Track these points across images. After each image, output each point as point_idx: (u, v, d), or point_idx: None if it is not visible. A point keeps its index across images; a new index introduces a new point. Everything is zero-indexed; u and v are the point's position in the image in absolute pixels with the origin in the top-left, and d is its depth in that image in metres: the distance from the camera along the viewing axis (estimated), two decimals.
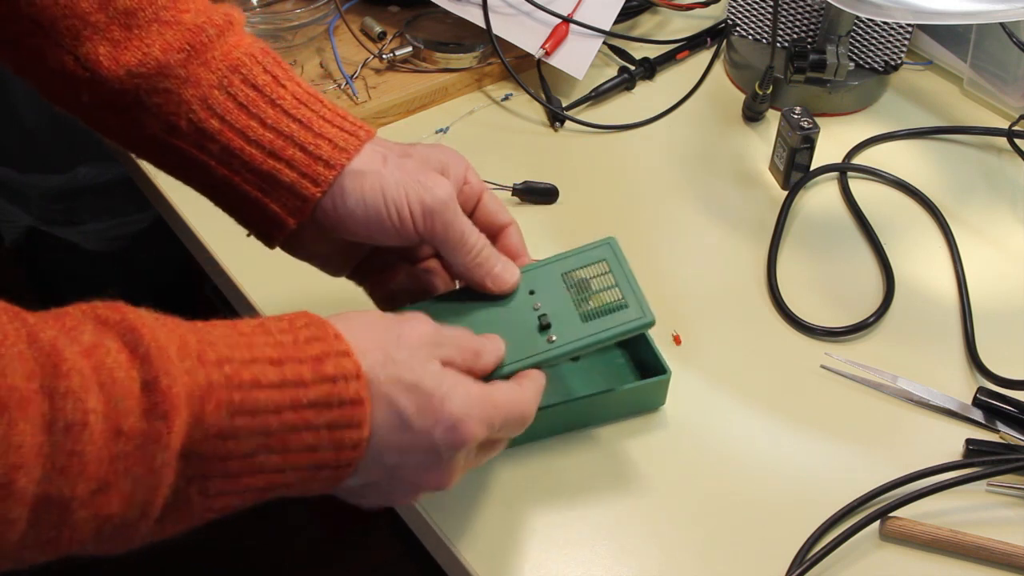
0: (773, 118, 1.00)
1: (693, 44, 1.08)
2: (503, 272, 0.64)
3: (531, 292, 0.66)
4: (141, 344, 0.46)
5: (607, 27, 1.02)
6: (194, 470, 0.48)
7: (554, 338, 0.64)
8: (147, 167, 0.88)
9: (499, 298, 0.65)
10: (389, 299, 0.67)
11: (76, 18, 0.59)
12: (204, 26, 0.60)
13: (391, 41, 1.02)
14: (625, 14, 1.09)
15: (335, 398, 0.51)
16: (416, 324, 0.57)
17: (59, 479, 0.42)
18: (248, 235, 0.65)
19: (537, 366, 0.63)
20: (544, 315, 0.64)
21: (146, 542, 0.49)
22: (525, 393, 0.60)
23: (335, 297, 0.78)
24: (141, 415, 0.45)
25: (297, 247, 0.65)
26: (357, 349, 0.53)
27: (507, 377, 0.62)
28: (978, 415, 0.75)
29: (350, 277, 0.69)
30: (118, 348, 0.46)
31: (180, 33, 0.60)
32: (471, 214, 0.66)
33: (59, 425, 0.42)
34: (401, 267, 0.68)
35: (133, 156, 0.66)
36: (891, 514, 0.67)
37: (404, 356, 0.54)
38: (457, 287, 0.67)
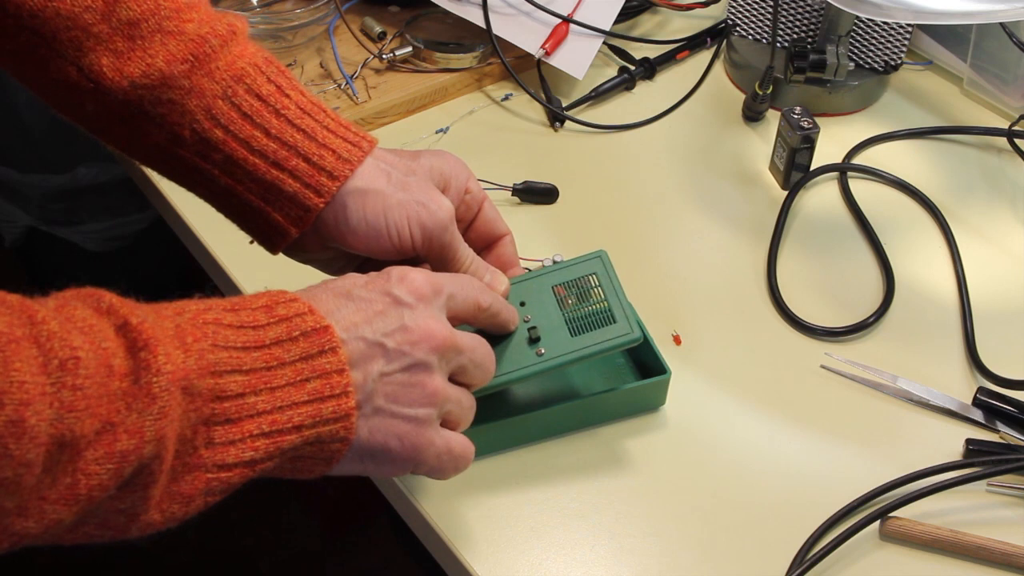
0: (773, 118, 1.00)
1: (693, 44, 1.08)
2: (491, 282, 0.66)
3: (522, 303, 0.67)
4: (103, 301, 0.48)
5: (607, 27, 1.02)
6: (197, 412, 0.48)
7: (543, 351, 0.65)
8: (147, 167, 0.88)
9: None
10: None
11: (79, 29, 0.59)
12: (207, 36, 0.60)
13: (391, 41, 1.02)
14: (625, 14, 1.09)
15: (296, 331, 0.52)
16: (353, 275, 0.58)
17: (69, 417, 0.43)
18: (251, 242, 0.65)
19: (526, 378, 0.64)
20: (534, 328, 0.65)
21: (166, 514, 0.48)
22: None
23: None
24: (125, 353, 0.46)
25: (299, 252, 0.66)
26: (307, 296, 0.55)
27: (497, 389, 0.63)
28: (978, 415, 0.75)
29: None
30: (83, 306, 0.47)
31: (183, 44, 0.60)
32: (471, 222, 0.67)
33: (53, 363, 0.43)
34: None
35: (143, 165, 0.66)
36: (891, 514, 0.67)
37: (349, 282, 0.57)
38: None
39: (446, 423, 0.59)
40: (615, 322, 0.66)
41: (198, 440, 0.49)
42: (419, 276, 0.57)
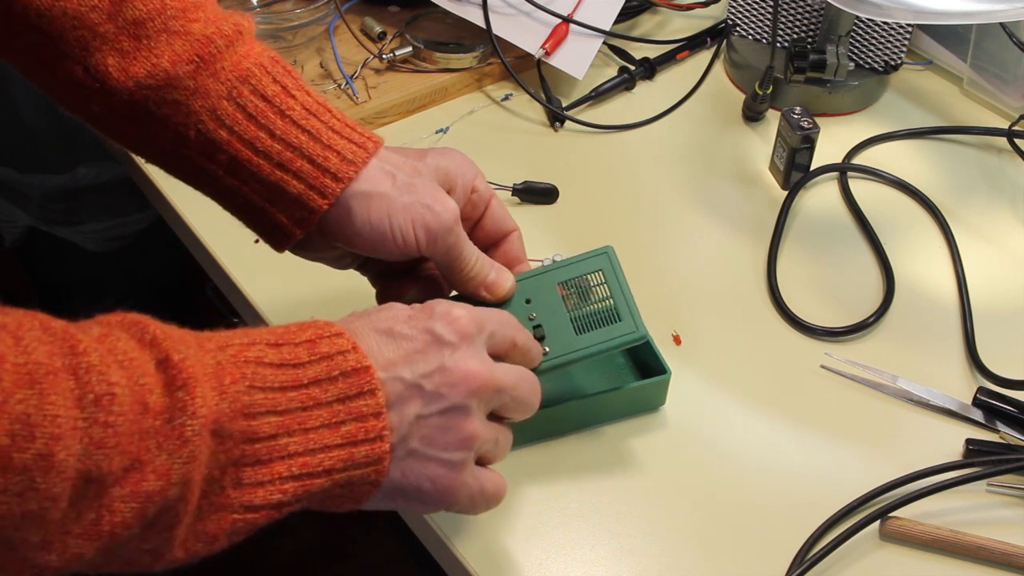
0: (773, 118, 1.00)
1: (693, 44, 1.08)
2: (497, 279, 0.65)
3: (527, 301, 0.66)
4: (147, 332, 0.47)
5: (607, 27, 1.02)
6: (227, 454, 0.48)
7: (547, 350, 0.64)
8: (147, 167, 0.88)
9: (496, 306, 0.65)
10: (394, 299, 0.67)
11: (85, 29, 0.59)
12: (213, 36, 0.60)
13: (391, 41, 1.02)
14: (625, 14, 1.09)
15: (336, 371, 0.52)
16: (397, 306, 0.58)
17: (97, 454, 0.43)
18: (256, 241, 0.65)
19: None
20: (539, 326, 0.65)
21: (189, 552, 0.48)
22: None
23: (336, 297, 0.78)
24: (162, 390, 0.46)
25: (305, 251, 0.65)
26: (348, 329, 0.54)
27: None
28: (978, 415, 0.75)
29: (358, 269, 0.69)
30: (126, 337, 0.47)
31: (189, 44, 0.60)
32: (478, 220, 0.67)
33: (88, 398, 0.43)
34: (406, 271, 0.68)
35: (143, 160, 0.66)
36: (891, 514, 0.67)
37: (385, 312, 0.57)
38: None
39: (480, 459, 0.59)
40: (620, 320, 0.65)
41: (226, 480, 0.49)
42: (463, 314, 0.57)
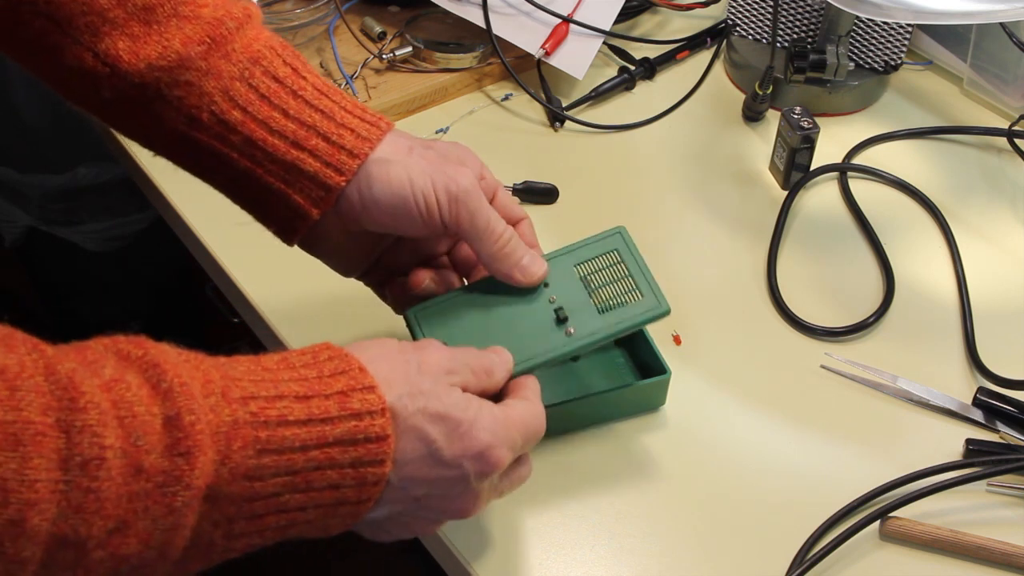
0: (773, 118, 1.00)
1: (693, 44, 1.08)
2: (531, 264, 0.64)
3: (545, 284, 0.65)
4: (164, 380, 0.45)
5: (607, 27, 1.02)
6: (220, 513, 0.47)
7: (572, 331, 0.64)
8: (147, 167, 0.88)
9: (513, 292, 0.65)
10: (402, 298, 0.67)
11: (94, 14, 0.59)
12: (223, 19, 0.60)
13: (391, 41, 1.02)
14: (625, 14, 1.09)
15: (360, 434, 0.51)
16: (433, 351, 0.57)
17: (75, 518, 0.41)
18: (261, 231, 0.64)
19: (557, 360, 0.63)
20: (560, 308, 0.64)
21: None
22: (535, 405, 0.59)
23: (335, 296, 0.78)
24: (162, 452, 0.44)
25: (316, 242, 0.65)
26: (381, 381, 0.52)
27: (531, 371, 0.62)
28: (978, 415, 0.75)
29: (360, 278, 0.68)
30: (139, 383, 0.45)
31: (199, 27, 0.60)
32: None
33: (75, 461, 0.41)
34: (414, 267, 0.67)
35: (145, 159, 0.65)
36: (891, 514, 0.67)
37: (428, 385, 0.54)
38: (466, 283, 0.67)
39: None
40: (642, 296, 0.65)
41: (216, 534, 0.48)
42: (493, 445, 0.55)
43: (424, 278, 0.66)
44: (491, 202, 0.65)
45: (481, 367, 0.58)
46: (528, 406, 0.59)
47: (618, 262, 0.66)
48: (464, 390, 0.56)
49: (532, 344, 0.63)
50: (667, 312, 0.65)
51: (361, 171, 0.61)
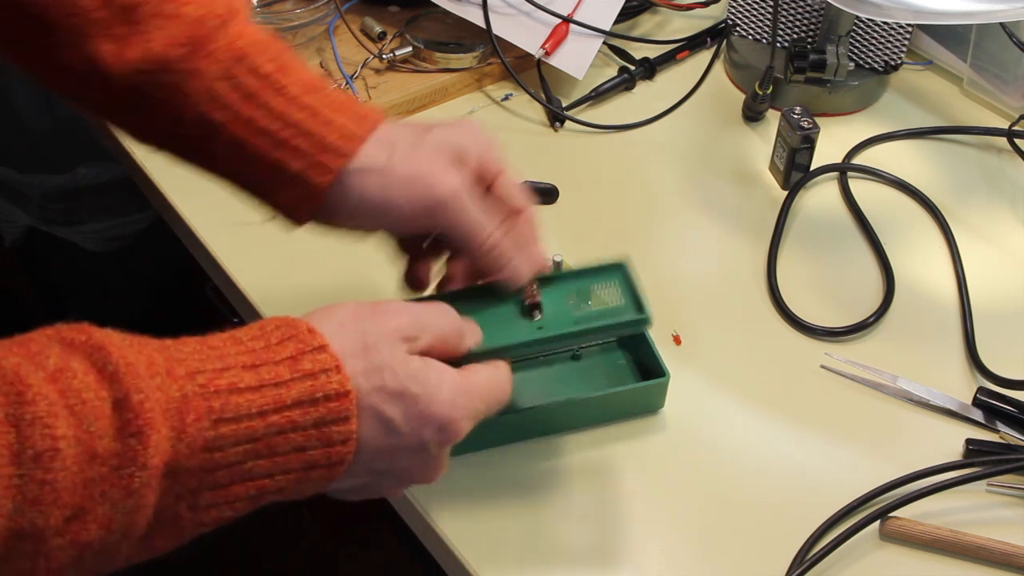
0: (773, 118, 1.00)
1: (693, 44, 1.08)
2: (518, 267, 0.63)
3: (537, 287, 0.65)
4: (109, 362, 0.45)
5: (607, 27, 1.02)
6: (183, 487, 0.47)
7: (542, 326, 0.62)
8: (147, 167, 0.88)
9: (506, 298, 0.64)
10: (415, 281, 0.67)
11: (78, 16, 0.58)
12: (205, 17, 0.60)
13: (391, 41, 1.02)
14: (625, 14, 1.09)
15: (319, 393, 0.50)
16: (391, 315, 0.55)
17: (31, 510, 0.41)
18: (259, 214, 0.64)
19: (523, 348, 0.62)
20: (537, 304, 0.63)
21: (133, 562, 0.47)
22: (501, 373, 0.59)
23: (336, 296, 0.78)
24: (114, 435, 0.44)
25: (326, 225, 0.64)
26: (335, 346, 0.52)
27: (497, 357, 0.60)
28: (978, 415, 0.75)
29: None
30: (85, 369, 0.45)
31: (181, 27, 0.59)
32: (485, 193, 0.64)
33: (28, 455, 0.41)
34: (430, 253, 0.67)
35: (143, 159, 0.65)
36: (891, 514, 0.67)
37: (385, 356, 0.53)
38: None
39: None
40: (624, 304, 0.63)
41: (180, 506, 0.47)
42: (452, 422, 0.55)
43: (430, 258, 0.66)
44: (491, 187, 0.63)
45: (451, 327, 0.57)
46: (492, 372, 0.58)
47: (615, 296, 0.64)
48: (426, 354, 0.55)
49: (502, 332, 0.62)
50: (648, 322, 0.63)
51: (342, 178, 0.60)
